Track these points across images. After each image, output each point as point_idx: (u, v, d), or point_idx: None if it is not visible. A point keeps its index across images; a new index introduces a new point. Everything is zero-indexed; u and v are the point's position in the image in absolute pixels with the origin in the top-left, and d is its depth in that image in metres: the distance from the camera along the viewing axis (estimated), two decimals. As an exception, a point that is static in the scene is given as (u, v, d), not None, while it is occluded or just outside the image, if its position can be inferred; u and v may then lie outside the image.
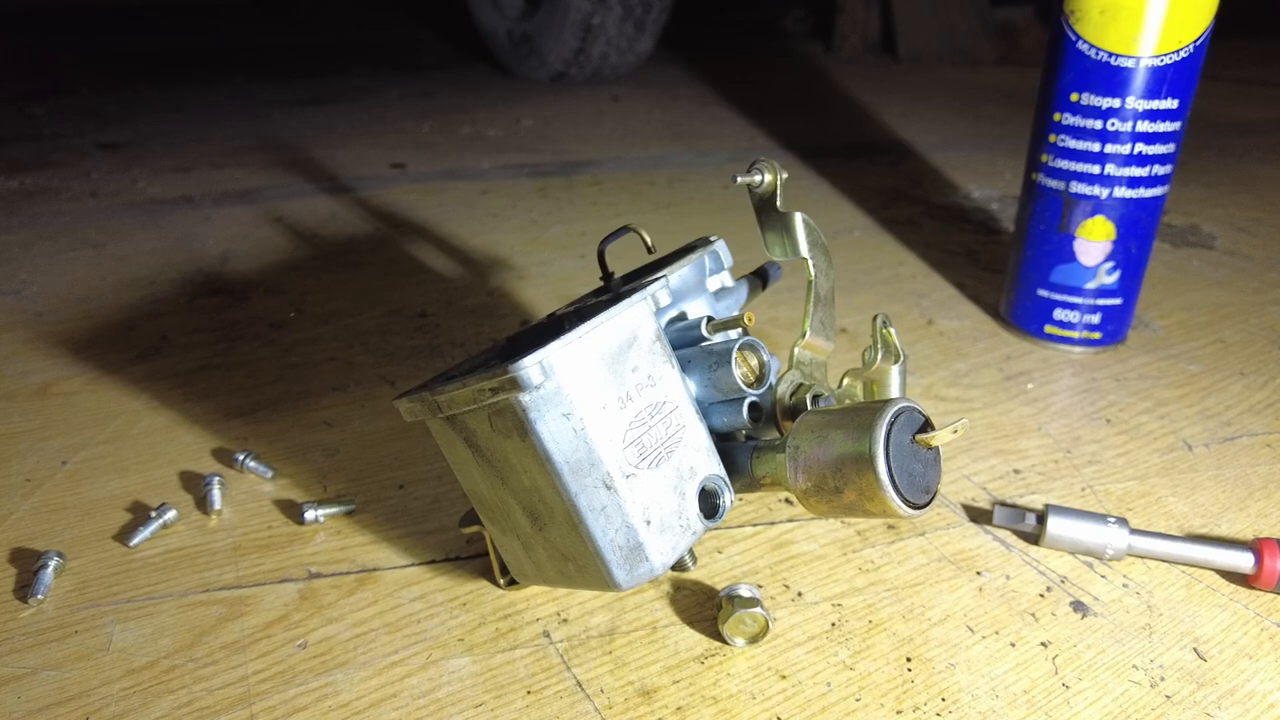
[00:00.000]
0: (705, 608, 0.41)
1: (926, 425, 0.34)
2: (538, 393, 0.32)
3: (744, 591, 0.40)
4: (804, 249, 0.42)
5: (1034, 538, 0.46)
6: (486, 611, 0.41)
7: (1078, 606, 0.42)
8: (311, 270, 0.81)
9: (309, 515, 0.45)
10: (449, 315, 0.72)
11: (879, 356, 0.43)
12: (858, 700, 0.36)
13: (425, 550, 0.45)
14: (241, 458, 0.50)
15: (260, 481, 0.49)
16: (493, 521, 0.39)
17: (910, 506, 0.32)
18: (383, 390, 0.60)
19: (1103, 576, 0.44)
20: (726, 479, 0.37)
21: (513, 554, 0.39)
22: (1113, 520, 0.44)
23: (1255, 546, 0.42)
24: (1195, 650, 0.39)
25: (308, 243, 0.87)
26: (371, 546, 0.45)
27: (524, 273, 0.81)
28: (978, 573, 0.44)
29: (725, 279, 0.44)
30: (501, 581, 0.42)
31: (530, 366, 0.31)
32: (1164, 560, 0.44)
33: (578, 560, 0.35)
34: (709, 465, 0.36)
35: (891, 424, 0.32)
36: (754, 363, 0.37)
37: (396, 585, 0.42)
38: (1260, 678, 0.38)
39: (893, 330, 0.43)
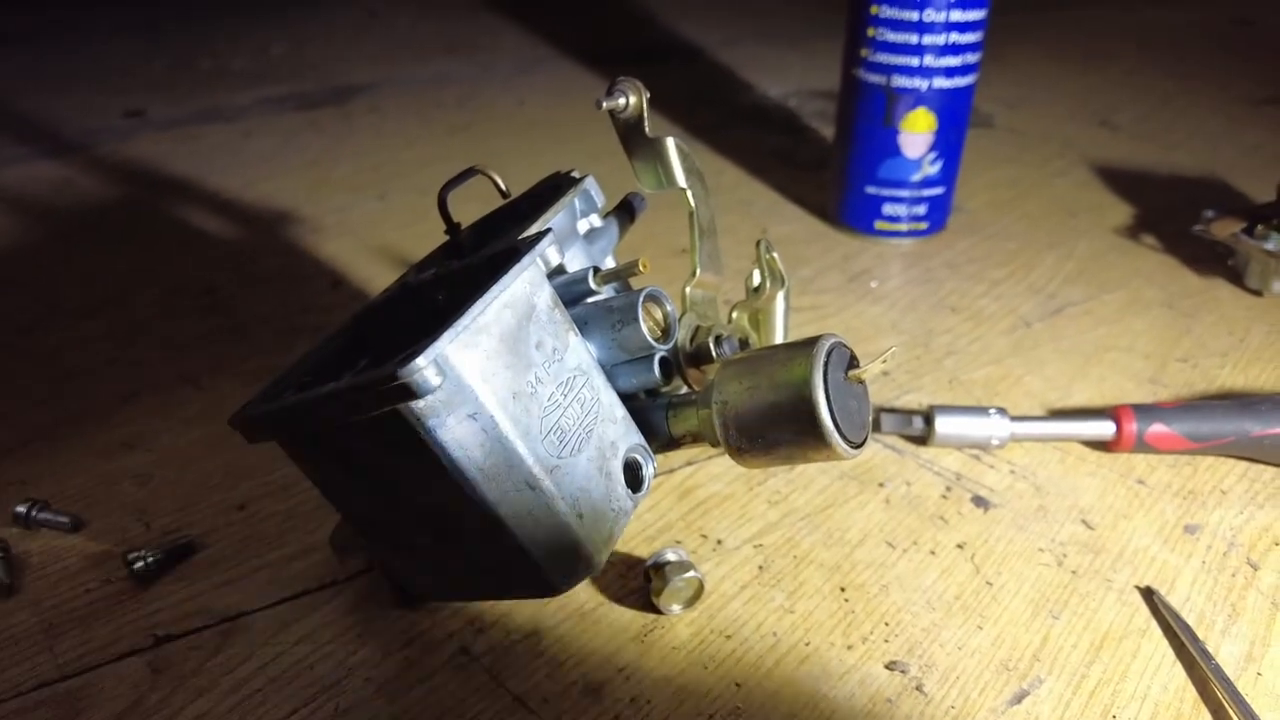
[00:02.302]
0: (630, 579, 0.38)
1: (853, 359, 0.32)
2: (434, 396, 0.26)
3: (671, 556, 0.37)
4: (680, 179, 0.38)
5: (922, 439, 0.46)
6: (388, 639, 0.35)
7: (978, 501, 0.43)
8: (57, 254, 0.66)
9: (137, 566, 0.37)
10: (242, 287, 0.62)
11: (767, 284, 0.40)
12: (807, 644, 0.35)
13: (293, 580, 0.38)
14: (25, 509, 0.40)
15: (59, 536, 0.40)
16: (382, 541, 0.33)
17: (853, 447, 0.31)
18: (185, 391, 0.50)
19: (991, 467, 0.45)
20: (647, 447, 0.33)
21: (413, 573, 0.33)
22: (993, 411, 0.45)
23: (1114, 414, 0.45)
24: (1084, 521, 0.42)
25: (42, 220, 0.71)
26: (226, 588, 0.38)
27: (318, 224, 0.71)
28: (880, 484, 0.44)
29: (594, 220, 0.40)
30: (397, 601, 0.36)
31: (425, 368, 0.26)
32: (1039, 440, 0.46)
33: (501, 572, 0.31)
34: (628, 435, 0.32)
35: (826, 365, 0.30)
36: (659, 315, 0.34)
37: (271, 629, 0.36)
38: (1138, 535, 0.41)
39: (776, 255, 0.40)
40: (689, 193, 0.38)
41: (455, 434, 0.27)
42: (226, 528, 0.41)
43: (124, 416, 0.48)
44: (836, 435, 0.30)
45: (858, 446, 0.31)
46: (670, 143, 0.37)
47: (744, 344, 0.39)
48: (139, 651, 0.35)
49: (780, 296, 0.42)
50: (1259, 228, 0.60)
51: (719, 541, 0.40)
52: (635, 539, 0.40)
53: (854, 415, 0.31)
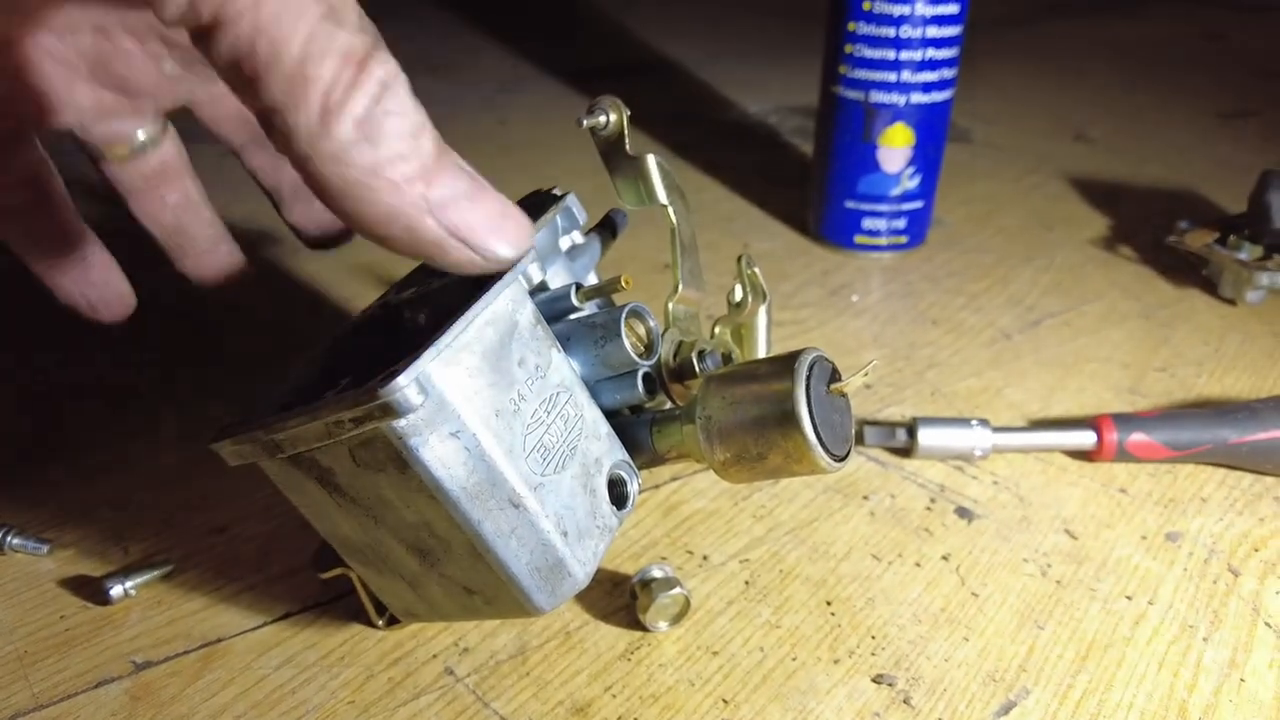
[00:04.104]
0: (615, 597, 0.38)
1: (835, 372, 0.32)
2: (416, 415, 0.26)
3: (657, 572, 0.37)
4: (661, 195, 0.38)
5: (906, 451, 0.47)
6: (371, 661, 0.35)
7: (962, 513, 0.43)
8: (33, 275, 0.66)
9: (115, 591, 0.37)
10: (222, 308, 0.61)
11: (749, 299, 0.40)
12: (794, 659, 0.35)
13: (275, 603, 0.38)
14: (-1, 536, 0.39)
15: (34, 561, 0.39)
16: (364, 563, 0.33)
17: (836, 460, 0.31)
18: (164, 411, 0.50)
19: (974, 478, 0.45)
20: (631, 463, 0.33)
21: (396, 595, 0.33)
22: (975, 422, 0.45)
23: (1094, 424, 0.46)
24: (1067, 531, 0.42)
25: None
26: (207, 612, 0.37)
27: (298, 244, 0.70)
28: (864, 497, 0.44)
29: (576, 237, 0.40)
30: (380, 622, 0.36)
31: (406, 387, 0.26)
32: (1022, 451, 0.47)
33: (485, 592, 0.30)
34: (613, 452, 0.32)
35: (808, 379, 0.30)
36: (642, 331, 0.34)
37: (252, 653, 0.35)
38: (1120, 544, 0.41)
39: (758, 270, 0.40)
40: (670, 209, 0.38)
41: (437, 453, 0.27)
42: (207, 551, 0.40)
43: (101, 439, 0.47)
44: (820, 448, 0.30)
45: (841, 459, 0.31)
46: (651, 160, 0.37)
47: (727, 358, 0.39)
48: (117, 679, 0.34)
49: (762, 311, 0.43)
50: (1231, 238, 0.61)
51: (705, 557, 0.40)
52: (621, 556, 0.40)
53: (837, 428, 0.31)
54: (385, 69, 0.22)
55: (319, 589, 0.38)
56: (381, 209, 0.22)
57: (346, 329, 0.37)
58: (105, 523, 0.42)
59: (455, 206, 0.23)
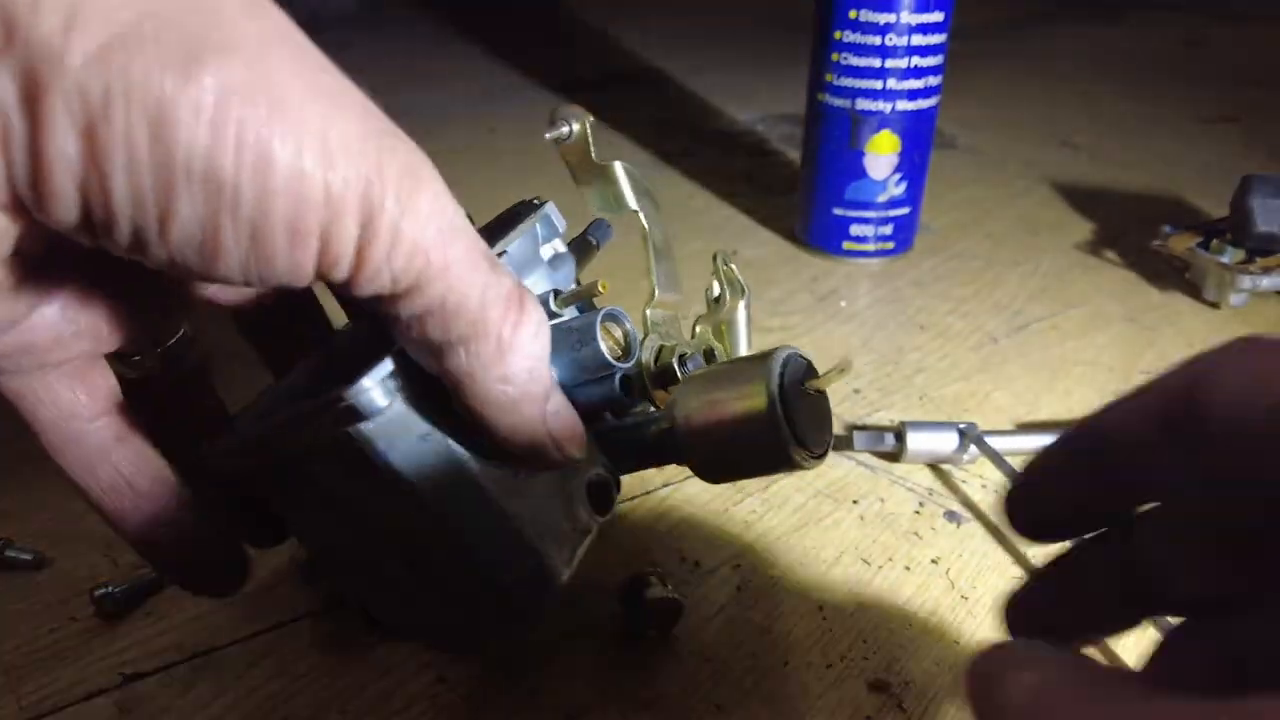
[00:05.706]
0: (607, 603, 0.38)
1: (811, 369, 0.32)
2: (384, 418, 0.26)
3: (648, 579, 0.37)
4: (631, 201, 0.38)
5: (894, 456, 0.47)
6: (363, 670, 0.35)
7: (951, 516, 0.43)
8: (17, 288, 0.65)
9: (105, 601, 0.36)
10: (211, 319, 0.61)
11: (727, 296, 0.41)
12: (786, 664, 0.35)
13: (267, 613, 0.37)
14: (-13, 548, 0.39)
15: (21, 574, 0.39)
16: (352, 573, 0.33)
17: (813, 458, 0.31)
18: (154, 424, 0.50)
19: (963, 482, 0.45)
20: (610, 466, 0.33)
21: (384, 605, 0.33)
22: (963, 426, 0.46)
23: (1081, 427, 0.46)
24: (1054, 534, 0.42)
25: (2, 254, 0.70)
26: (198, 623, 0.37)
27: (288, 255, 0.71)
28: (854, 502, 0.44)
29: (558, 245, 0.40)
30: (372, 633, 0.36)
31: (371, 389, 0.25)
32: (1010, 455, 0.47)
33: (467, 604, 0.30)
34: (591, 456, 0.32)
35: (782, 377, 0.30)
36: (618, 334, 0.34)
37: (244, 664, 0.35)
38: (1108, 546, 0.42)
39: (734, 266, 0.41)
40: (641, 214, 0.38)
41: (408, 456, 0.27)
42: (196, 562, 0.40)
43: (90, 451, 0.47)
44: (794, 443, 0.30)
45: (818, 456, 0.31)
46: (618, 166, 0.37)
47: (709, 356, 0.39)
48: (106, 691, 0.34)
49: (741, 306, 0.42)
50: (1214, 242, 0.62)
51: (696, 563, 0.40)
52: (612, 562, 0.40)
53: (813, 426, 0.31)
54: (536, 306, 0.26)
55: (311, 598, 0.38)
56: (521, 420, 0.27)
57: (339, 336, 0.37)
58: (94, 534, 0.41)
59: (557, 419, 0.28)
